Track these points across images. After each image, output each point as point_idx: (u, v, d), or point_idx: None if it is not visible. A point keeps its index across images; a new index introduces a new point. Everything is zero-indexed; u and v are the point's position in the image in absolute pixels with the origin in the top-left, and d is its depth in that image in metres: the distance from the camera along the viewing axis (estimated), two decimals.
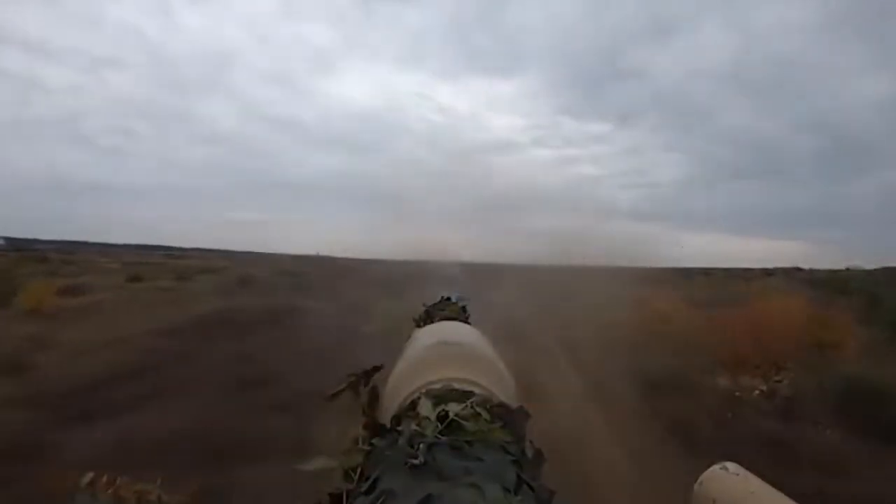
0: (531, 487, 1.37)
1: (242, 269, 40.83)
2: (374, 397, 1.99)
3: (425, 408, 1.56)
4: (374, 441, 1.53)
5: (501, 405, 1.72)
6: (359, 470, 1.48)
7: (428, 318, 3.43)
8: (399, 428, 1.56)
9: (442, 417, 1.46)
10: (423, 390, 1.78)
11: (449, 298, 4.11)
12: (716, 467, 1.67)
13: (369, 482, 1.33)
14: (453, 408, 1.51)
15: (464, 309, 3.72)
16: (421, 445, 1.35)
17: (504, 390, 1.95)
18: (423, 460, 1.29)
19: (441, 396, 1.68)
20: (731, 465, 1.68)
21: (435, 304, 3.89)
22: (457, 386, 1.79)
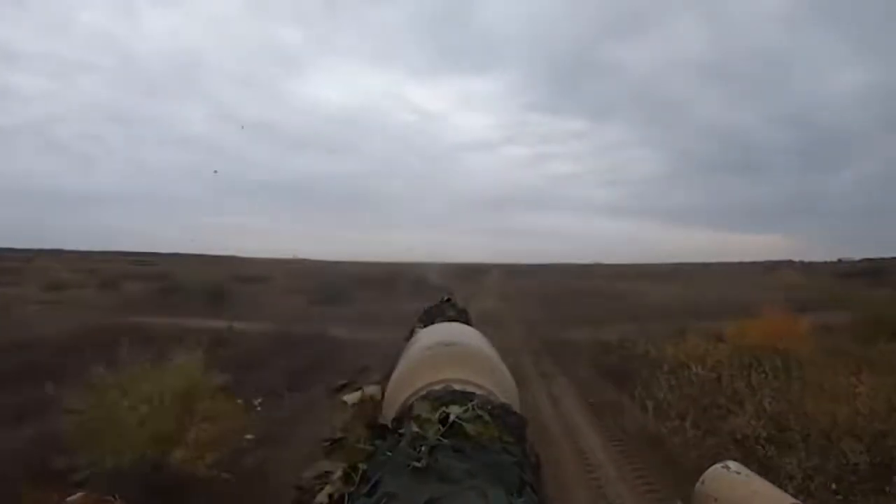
0: (533, 489, 1.37)
1: (193, 275, 35.13)
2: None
3: (426, 410, 1.56)
4: (375, 442, 1.53)
5: (502, 406, 1.72)
6: (360, 472, 1.47)
7: (429, 319, 3.44)
8: (400, 430, 1.55)
9: (443, 420, 1.46)
10: (424, 392, 1.78)
11: (449, 300, 4.13)
12: (717, 466, 1.67)
13: (370, 484, 1.32)
14: (454, 410, 1.51)
15: (464, 311, 3.74)
16: (423, 447, 1.35)
17: (505, 391, 1.95)
18: (425, 463, 1.29)
19: (442, 398, 1.68)
20: (732, 464, 1.68)
21: (436, 306, 3.90)
22: (457, 387, 1.79)
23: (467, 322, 3.26)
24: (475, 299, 22.70)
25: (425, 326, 3.11)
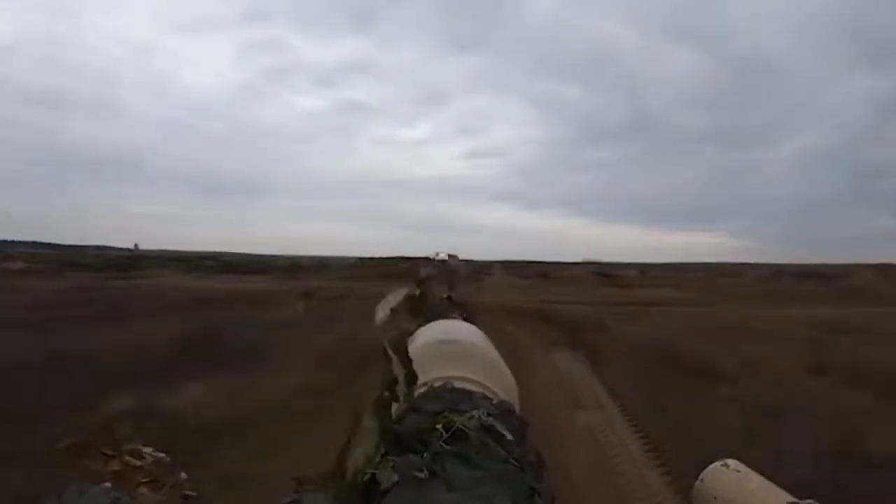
0: (538, 493, 1.34)
1: None
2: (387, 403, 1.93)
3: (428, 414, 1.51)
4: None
5: (503, 405, 1.68)
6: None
7: (429, 316, 3.37)
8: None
9: (447, 427, 1.42)
10: (423, 391, 1.74)
11: (450, 298, 4.06)
12: (717, 464, 1.67)
13: (375, 494, 1.28)
14: (457, 418, 1.46)
15: (464, 306, 3.70)
16: (425, 455, 1.30)
17: (505, 389, 1.91)
18: (427, 473, 1.24)
19: (441, 397, 1.64)
20: (732, 462, 1.68)
21: (437, 304, 3.84)
22: (457, 385, 1.75)
23: (468, 319, 3.21)
24: None
25: (424, 323, 3.06)
